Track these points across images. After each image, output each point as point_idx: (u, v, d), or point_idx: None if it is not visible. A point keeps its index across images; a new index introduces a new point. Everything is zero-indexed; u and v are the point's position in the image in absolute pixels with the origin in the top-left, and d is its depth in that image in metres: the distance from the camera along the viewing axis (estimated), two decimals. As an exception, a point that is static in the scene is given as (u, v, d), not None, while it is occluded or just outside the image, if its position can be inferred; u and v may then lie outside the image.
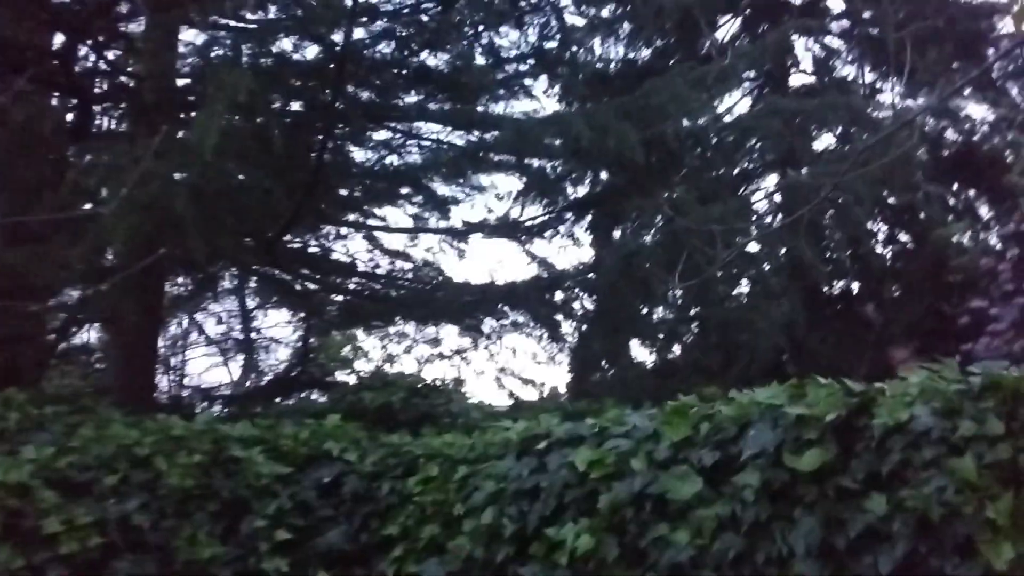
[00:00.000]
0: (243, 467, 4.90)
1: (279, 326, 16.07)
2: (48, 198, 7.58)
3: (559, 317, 11.10)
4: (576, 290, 10.90)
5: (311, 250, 12.12)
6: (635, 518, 3.59)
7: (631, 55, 13.01)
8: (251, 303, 15.36)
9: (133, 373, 9.59)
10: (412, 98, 10.44)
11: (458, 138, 10.69)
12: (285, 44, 9.55)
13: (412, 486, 4.91)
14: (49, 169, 8.25)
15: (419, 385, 6.80)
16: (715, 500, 3.27)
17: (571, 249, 11.68)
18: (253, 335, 15.65)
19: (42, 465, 4.53)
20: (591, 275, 11.09)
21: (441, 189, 11.10)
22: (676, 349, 12.24)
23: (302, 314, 13.35)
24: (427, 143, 10.83)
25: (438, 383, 6.90)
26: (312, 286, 12.84)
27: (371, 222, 11.75)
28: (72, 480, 4.55)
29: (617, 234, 11.83)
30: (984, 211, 12.15)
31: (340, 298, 12.56)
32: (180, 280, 14.29)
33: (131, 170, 6.13)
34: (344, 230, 12.12)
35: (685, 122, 10.26)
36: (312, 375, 13.05)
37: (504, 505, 4.29)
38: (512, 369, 11.55)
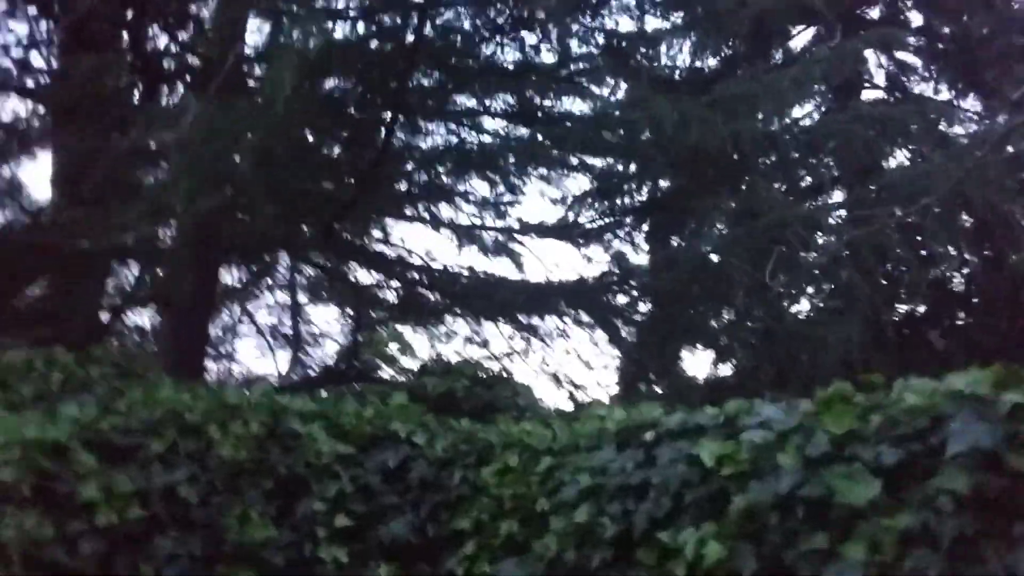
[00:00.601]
0: (302, 443, 4.21)
1: (328, 322, 15.48)
2: (108, 160, 7.03)
3: (616, 322, 10.35)
4: (633, 293, 10.16)
5: (367, 243, 11.49)
6: (780, 525, 2.83)
7: (698, 63, 12.30)
8: (303, 297, 14.81)
9: (182, 357, 9.03)
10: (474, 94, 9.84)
11: (521, 132, 10.03)
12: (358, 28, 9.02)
13: (487, 476, 4.18)
14: (114, 133, 7.71)
15: (484, 374, 6.07)
16: (898, 508, 2.51)
17: (630, 254, 10.90)
18: (302, 328, 15.09)
19: (83, 426, 3.87)
20: (646, 279, 10.35)
21: (500, 187, 10.45)
22: (730, 363, 11.41)
23: (351, 309, 12.76)
24: (489, 138, 10.16)
25: (504, 374, 6.17)
26: (364, 279, 12.23)
27: (427, 216, 11.11)
28: (115, 444, 3.87)
29: (676, 240, 11.06)
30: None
31: (392, 293, 11.92)
32: (235, 270, 13.79)
33: (195, 127, 5.56)
34: (400, 224, 11.50)
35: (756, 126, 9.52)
36: (359, 370, 12.41)
37: (603, 502, 3.54)
38: (565, 373, 10.76)
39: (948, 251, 11.28)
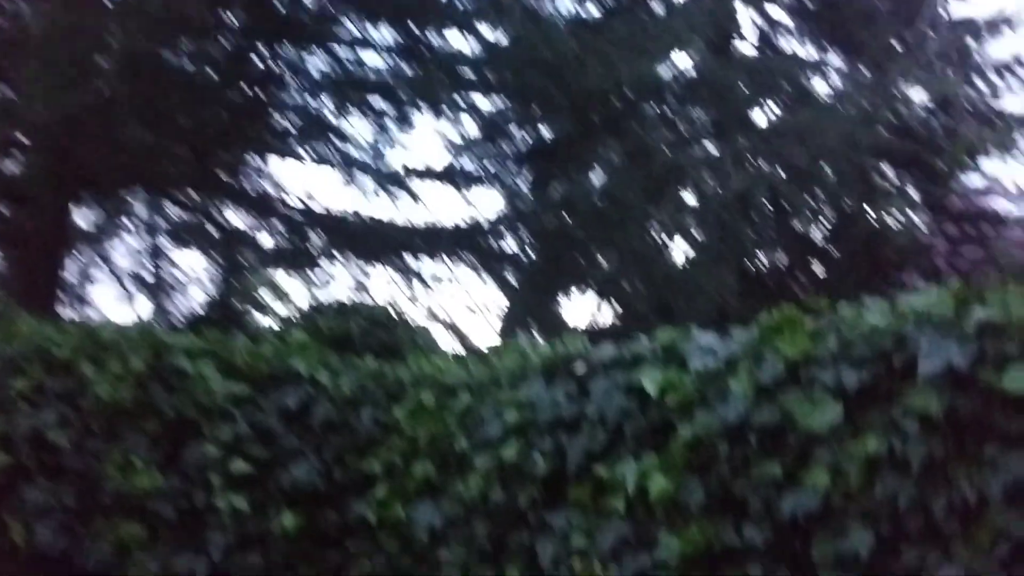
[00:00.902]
0: (190, 383, 3.72)
1: (195, 268, 14.48)
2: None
3: (502, 267, 10.12)
4: (520, 236, 9.93)
5: (241, 182, 10.69)
6: (730, 455, 2.66)
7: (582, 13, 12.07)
8: (166, 241, 13.76)
9: (31, 302, 8.13)
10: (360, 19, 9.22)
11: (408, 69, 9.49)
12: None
13: (399, 416, 3.85)
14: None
15: (382, 315, 5.67)
16: (861, 433, 2.38)
17: (512, 199, 10.63)
18: (165, 274, 14.04)
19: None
20: (533, 223, 10.13)
21: (386, 125, 9.90)
22: (611, 308, 11.44)
23: (221, 254, 11.92)
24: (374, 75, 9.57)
25: (403, 315, 5.79)
26: (234, 221, 11.43)
27: (307, 155, 10.42)
28: (-32, 384, 3.30)
29: (562, 187, 10.90)
30: (913, 191, 11.81)
31: (267, 236, 11.20)
32: (90, 209, 12.62)
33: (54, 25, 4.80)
34: (277, 161, 10.77)
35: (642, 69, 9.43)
36: (229, 318, 11.63)
37: (532, 438, 3.29)
38: (451, 319, 10.45)
39: (809, 204, 11.67)
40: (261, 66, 8.21)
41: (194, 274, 13.64)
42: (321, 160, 9.82)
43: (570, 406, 3.20)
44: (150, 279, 13.58)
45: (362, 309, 5.64)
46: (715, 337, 3.06)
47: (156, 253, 13.72)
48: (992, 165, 11.25)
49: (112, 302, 14.32)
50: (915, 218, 11.47)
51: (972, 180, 11.15)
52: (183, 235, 12.72)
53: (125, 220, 13.19)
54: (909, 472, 2.27)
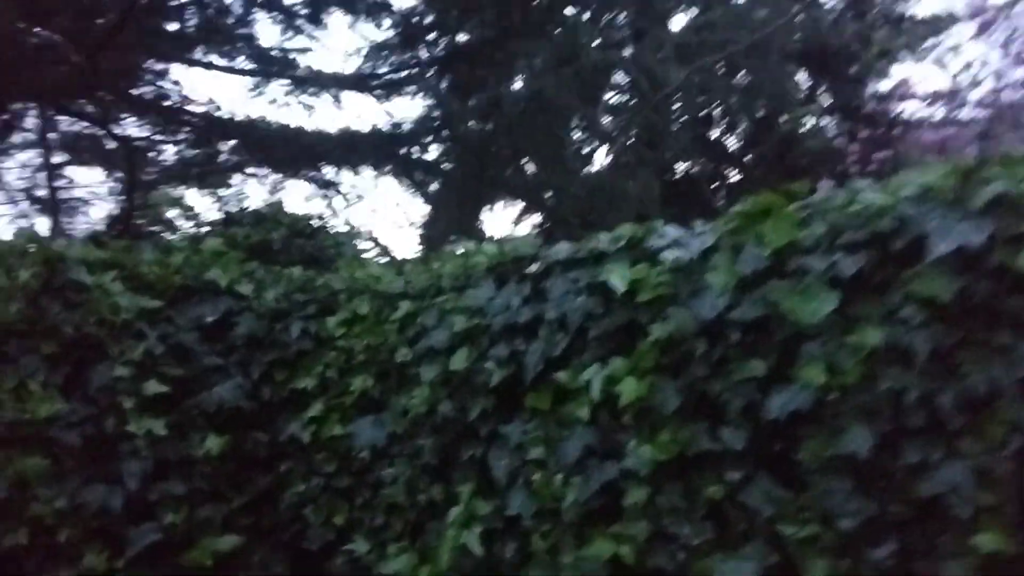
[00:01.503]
0: (91, 297, 3.21)
1: (94, 185, 13.40)
2: None
3: (422, 176, 9.62)
4: (441, 144, 9.42)
5: (135, 89, 9.74)
6: (708, 355, 2.38)
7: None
8: (61, 157, 12.63)
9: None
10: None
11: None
12: None
13: (332, 328, 3.45)
14: None
15: (304, 224, 5.17)
16: (856, 324, 2.11)
17: (432, 106, 10.04)
18: (64, 193, 12.94)
19: None
20: (448, 130, 9.61)
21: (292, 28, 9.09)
22: (534, 217, 11.13)
23: (122, 169, 10.97)
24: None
25: (327, 224, 5.30)
26: (134, 133, 10.49)
27: (210, 61, 9.53)
28: None
29: (480, 93, 10.35)
30: (826, 97, 11.73)
31: (171, 148, 10.34)
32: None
33: None
34: (178, 71, 9.84)
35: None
36: (134, 235, 10.79)
37: (483, 346, 2.95)
38: (372, 232, 9.93)
39: (730, 109, 11.47)
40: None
41: (92, 191, 12.63)
42: (228, 68, 8.98)
43: (525, 309, 2.86)
44: (45, 196, 12.52)
45: (282, 217, 5.13)
46: (681, 230, 2.75)
47: (50, 168, 12.61)
48: (902, 69, 11.26)
49: (5, 223, 13.17)
50: (827, 123, 11.45)
51: (883, 85, 11.11)
52: (78, 149, 11.69)
53: (14, 134, 12.01)
54: (912, 364, 2.03)
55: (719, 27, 11.03)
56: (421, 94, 9.92)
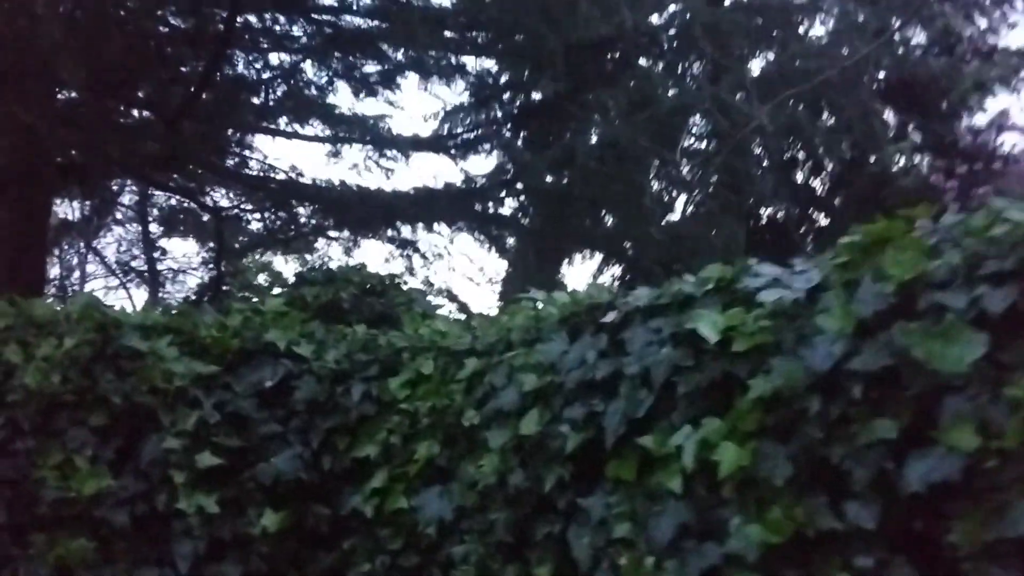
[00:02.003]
0: (145, 364, 3.00)
1: (188, 256, 13.77)
2: None
3: (500, 231, 9.39)
4: (520, 199, 9.17)
5: (222, 163, 9.90)
6: (824, 414, 1.95)
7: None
8: (156, 229, 13.03)
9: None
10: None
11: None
12: None
13: (395, 389, 3.14)
14: None
15: (373, 281, 4.94)
16: (1018, 372, 1.67)
17: (507, 160, 9.86)
18: (158, 264, 13.32)
19: None
20: (523, 183, 9.36)
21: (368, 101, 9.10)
22: (615, 269, 10.73)
23: (212, 240, 11.16)
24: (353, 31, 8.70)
25: (397, 281, 5.05)
26: (224, 203, 10.67)
27: (291, 130, 9.63)
28: None
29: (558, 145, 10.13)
30: (916, 134, 11.05)
31: (257, 216, 10.45)
32: (75, 202, 11.87)
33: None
34: (261, 140, 9.99)
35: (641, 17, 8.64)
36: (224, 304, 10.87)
37: (557, 406, 2.58)
38: (450, 289, 9.74)
39: (816, 150, 10.93)
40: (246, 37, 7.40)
41: (186, 260, 12.94)
42: (309, 137, 9.02)
43: (602, 364, 2.48)
44: (141, 267, 12.88)
45: (352, 275, 4.91)
46: (778, 267, 2.35)
47: (147, 241, 13.00)
48: (996, 102, 10.54)
49: (103, 296, 13.60)
50: (920, 161, 10.76)
51: (978, 119, 10.41)
52: (172, 220, 12.00)
53: (113, 210, 12.46)
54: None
55: (799, 64, 10.57)
56: (495, 149, 9.76)
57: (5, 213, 8.04)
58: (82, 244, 12.93)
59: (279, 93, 9.28)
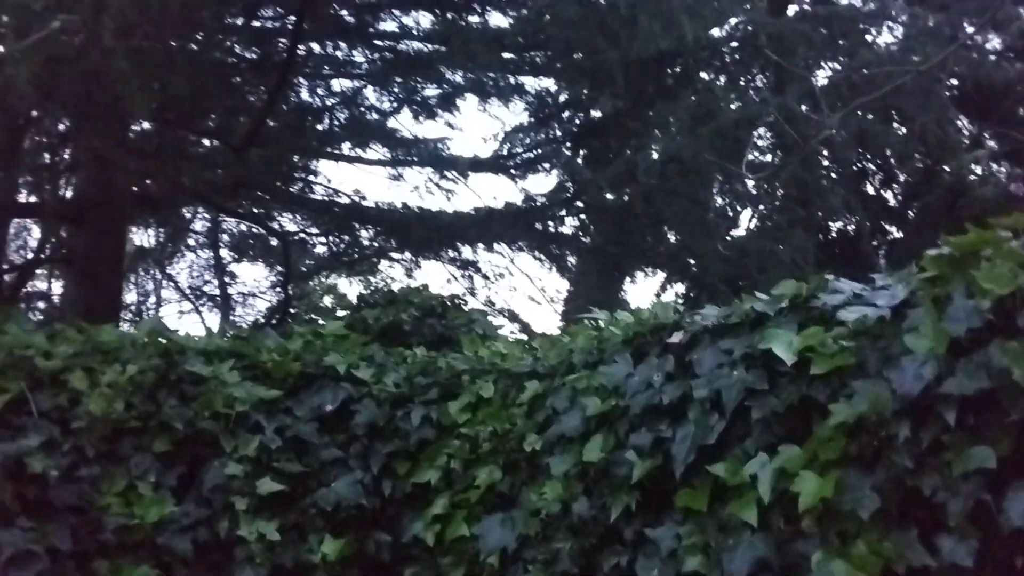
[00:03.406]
0: (207, 390, 2.99)
1: (257, 280, 14.06)
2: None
3: (561, 250, 9.28)
4: (580, 216, 9.05)
5: (289, 186, 10.07)
6: (912, 442, 1.79)
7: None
8: (227, 254, 13.33)
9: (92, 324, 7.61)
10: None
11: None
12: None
13: (456, 413, 3.06)
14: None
15: (434, 303, 4.89)
16: None
17: (568, 177, 9.76)
18: (229, 288, 13.62)
19: None
20: (585, 200, 9.23)
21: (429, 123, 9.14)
22: (680, 286, 10.49)
23: (279, 263, 11.36)
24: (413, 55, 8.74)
25: (458, 302, 4.99)
26: (291, 227, 10.84)
27: (354, 154, 9.75)
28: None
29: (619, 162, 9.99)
30: (992, 142, 10.54)
31: (322, 240, 10.59)
32: (149, 228, 12.23)
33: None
34: (322, 165, 10.13)
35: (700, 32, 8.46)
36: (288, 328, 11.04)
37: (621, 432, 2.46)
38: (511, 309, 9.66)
39: (888, 163, 10.54)
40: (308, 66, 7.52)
41: (256, 283, 13.19)
42: (372, 161, 9.10)
43: (669, 387, 2.36)
44: (213, 291, 13.17)
45: (413, 296, 4.87)
46: (855, 284, 2.20)
47: (219, 266, 13.30)
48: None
49: (177, 320, 13.97)
50: (998, 169, 10.25)
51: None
52: (241, 246, 12.26)
53: (185, 236, 12.80)
54: None
55: (868, 72, 10.21)
56: (555, 168, 9.68)
57: (84, 241, 8.31)
58: (157, 270, 13.29)
59: (342, 118, 9.41)
